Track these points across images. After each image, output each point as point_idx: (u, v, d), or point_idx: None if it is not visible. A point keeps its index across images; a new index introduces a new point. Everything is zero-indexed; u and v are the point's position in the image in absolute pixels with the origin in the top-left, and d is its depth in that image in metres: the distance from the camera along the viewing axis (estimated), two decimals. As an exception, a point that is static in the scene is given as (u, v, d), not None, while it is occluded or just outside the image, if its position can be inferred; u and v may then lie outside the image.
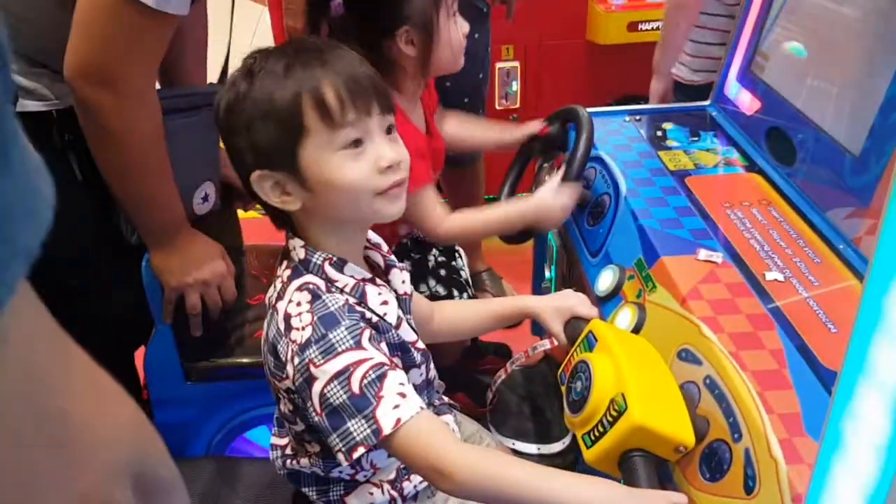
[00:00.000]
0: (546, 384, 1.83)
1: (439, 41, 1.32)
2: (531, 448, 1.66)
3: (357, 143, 0.87)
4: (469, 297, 1.61)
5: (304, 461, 0.99)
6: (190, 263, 1.27)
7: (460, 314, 1.21)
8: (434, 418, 0.86)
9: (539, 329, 1.96)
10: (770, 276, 1.08)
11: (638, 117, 1.62)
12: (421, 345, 0.99)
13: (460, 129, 1.61)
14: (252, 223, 1.88)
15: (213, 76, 1.48)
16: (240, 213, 1.69)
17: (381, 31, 1.31)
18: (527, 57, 2.56)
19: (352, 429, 0.81)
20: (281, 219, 0.94)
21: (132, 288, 1.30)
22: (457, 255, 1.66)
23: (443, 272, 1.60)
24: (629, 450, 0.83)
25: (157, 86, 1.46)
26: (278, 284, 0.92)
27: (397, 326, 0.95)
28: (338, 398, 0.81)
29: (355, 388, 0.81)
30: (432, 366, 1.04)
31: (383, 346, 0.88)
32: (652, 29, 2.41)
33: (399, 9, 1.28)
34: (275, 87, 0.84)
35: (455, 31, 1.35)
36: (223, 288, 1.32)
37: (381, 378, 0.82)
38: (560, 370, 1.02)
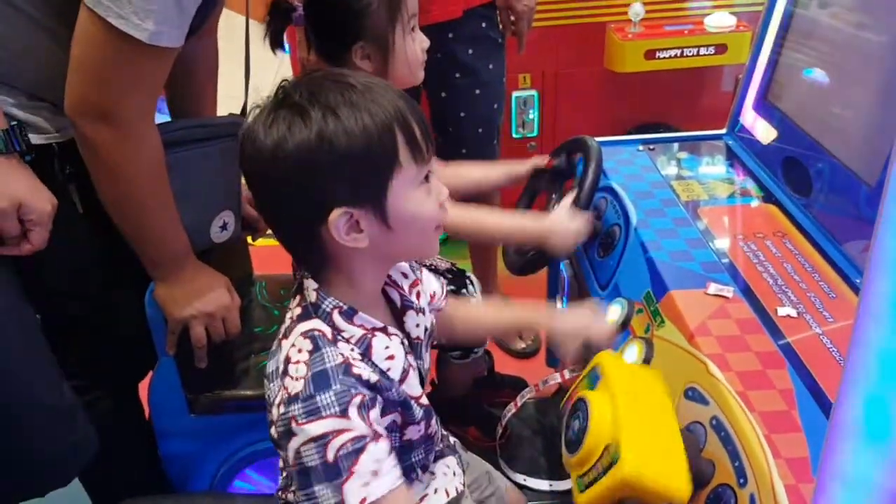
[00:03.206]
0: (559, 418, 1.79)
1: (395, 57, 1.32)
2: (542, 484, 1.62)
3: (427, 178, 0.88)
4: None
5: (291, 496, 0.97)
6: (194, 295, 1.26)
7: (475, 318, 1.21)
8: (402, 498, 0.83)
9: (553, 361, 1.93)
10: (782, 311, 1.04)
11: (652, 146, 1.59)
12: (424, 400, 0.97)
13: (467, 176, 1.56)
14: (263, 252, 1.87)
15: (232, 108, 1.48)
16: (249, 241, 1.68)
17: (337, 46, 1.31)
18: (544, 85, 2.55)
19: (318, 493, 0.80)
20: (306, 252, 0.90)
21: (136, 319, 1.29)
22: (468, 281, 1.64)
23: None
24: (621, 500, 0.80)
25: (169, 117, 1.47)
26: (287, 321, 0.91)
27: (402, 380, 0.92)
28: (311, 461, 0.80)
29: (330, 457, 0.79)
30: (433, 421, 1.01)
31: (374, 413, 0.85)
32: (669, 57, 2.39)
33: (354, 25, 1.29)
34: (365, 120, 0.81)
35: (412, 47, 1.34)
36: (227, 320, 1.31)
37: (358, 452, 0.80)
38: (563, 400, 0.99)
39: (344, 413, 0.81)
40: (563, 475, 1.64)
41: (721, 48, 2.39)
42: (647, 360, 1.05)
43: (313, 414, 0.80)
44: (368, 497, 0.79)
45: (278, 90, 0.85)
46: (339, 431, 0.80)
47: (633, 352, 1.08)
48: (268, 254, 2.04)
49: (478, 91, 1.97)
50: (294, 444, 0.81)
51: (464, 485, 1.11)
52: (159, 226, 1.19)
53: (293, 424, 0.81)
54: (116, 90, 1.06)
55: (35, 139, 1.13)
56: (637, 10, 2.37)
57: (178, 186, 1.20)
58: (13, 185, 1.06)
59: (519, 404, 1.46)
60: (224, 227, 1.36)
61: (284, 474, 1.02)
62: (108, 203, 1.15)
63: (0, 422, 1.10)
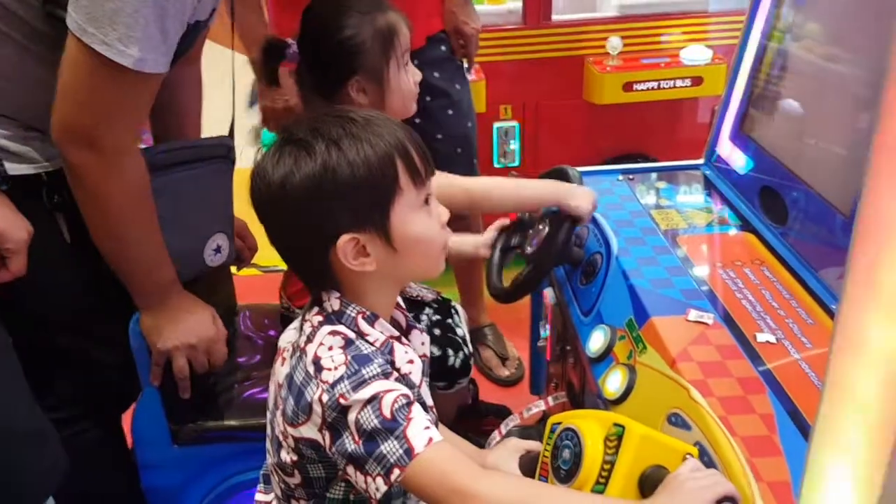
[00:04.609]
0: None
1: (390, 90, 1.36)
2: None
3: (427, 200, 0.93)
4: (465, 356, 1.60)
5: None
6: (179, 326, 1.26)
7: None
8: (457, 450, 0.87)
9: (537, 387, 1.93)
10: (762, 337, 1.06)
11: (631, 176, 1.62)
12: (434, 411, 1.01)
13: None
14: (246, 282, 1.87)
15: (214, 130, 1.49)
16: (234, 270, 1.68)
17: (333, 80, 1.35)
18: (525, 116, 2.59)
19: (385, 451, 0.82)
20: (318, 278, 0.94)
21: (121, 349, 1.29)
22: (453, 311, 1.65)
23: (437, 331, 1.58)
24: (644, 470, 0.83)
25: (153, 141, 1.48)
26: (307, 329, 0.93)
27: (419, 386, 0.96)
28: (370, 423, 0.83)
29: (386, 412, 0.83)
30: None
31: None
32: (647, 89, 2.44)
33: (349, 61, 1.33)
34: (366, 150, 0.86)
35: (406, 80, 1.39)
36: (212, 352, 1.31)
37: (409, 405, 0.84)
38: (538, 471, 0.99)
39: (387, 377, 0.86)
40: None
41: (697, 80, 2.45)
42: (630, 386, 1.07)
43: (361, 384, 0.84)
44: (433, 438, 0.83)
45: (283, 129, 0.90)
46: (388, 390, 0.84)
47: (617, 378, 1.09)
48: (251, 284, 2.05)
49: (450, 111, 2.01)
50: (352, 417, 0.84)
51: None
52: (145, 254, 1.20)
53: (342, 401, 0.84)
54: (101, 116, 1.07)
55: (24, 169, 1.13)
56: (615, 44, 2.42)
57: (168, 210, 1.21)
58: None
59: (503, 433, 1.46)
60: (218, 250, 1.37)
61: (269, 500, 1.02)
62: (94, 229, 1.16)
63: None
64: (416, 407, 0.85)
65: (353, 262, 0.88)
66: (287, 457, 0.93)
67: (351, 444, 0.84)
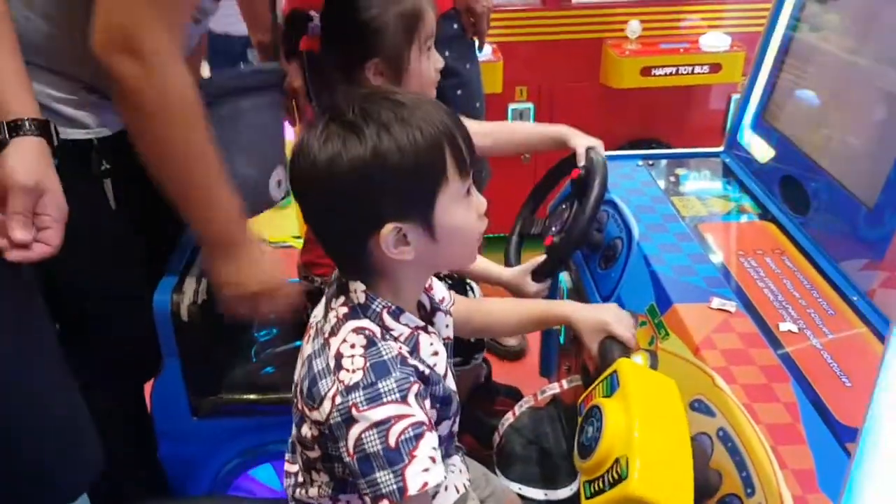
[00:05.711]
0: (554, 427, 1.81)
1: (409, 75, 1.35)
2: (538, 493, 1.64)
3: (468, 191, 0.91)
4: None
5: (313, 491, 0.99)
6: (254, 269, 1.15)
7: (503, 313, 1.24)
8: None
9: (547, 370, 1.95)
10: (784, 326, 1.07)
11: (651, 162, 1.63)
12: (457, 397, 1.00)
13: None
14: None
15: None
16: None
17: (351, 60, 1.34)
18: (540, 98, 2.59)
19: (379, 480, 0.82)
20: (353, 263, 0.91)
21: (147, 320, 1.29)
22: (468, 288, 1.66)
23: None
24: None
25: None
26: (332, 318, 0.92)
27: (445, 376, 0.95)
28: (373, 447, 0.82)
29: (391, 442, 0.82)
30: (457, 418, 1.04)
31: (427, 403, 0.88)
32: (665, 74, 2.43)
33: (370, 42, 1.32)
34: (416, 136, 0.84)
35: (427, 65, 1.38)
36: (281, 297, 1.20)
37: (418, 437, 0.83)
38: (581, 399, 1.01)
39: (404, 399, 0.84)
40: (558, 485, 1.66)
41: (715, 67, 2.44)
42: (651, 372, 1.08)
43: (375, 400, 0.83)
44: (429, 483, 0.82)
45: (329, 107, 0.87)
46: (401, 416, 0.83)
47: (638, 363, 1.10)
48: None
49: (459, 91, 1.99)
50: (355, 431, 0.83)
51: (469, 481, 1.14)
52: (202, 177, 1.10)
53: (354, 412, 0.83)
54: (141, 19, 1.01)
55: (76, 134, 1.12)
56: (634, 28, 2.42)
57: (234, 137, 1.18)
58: (46, 170, 1.00)
59: (517, 413, 1.47)
60: (279, 183, 1.33)
61: (298, 475, 1.03)
62: (148, 157, 1.07)
63: (14, 433, 1.06)
64: (425, 440, 0.83)
65: (392, 251, 0.86)
66: (308, 432, 0.94)
67: (345, 455, 0.85)
